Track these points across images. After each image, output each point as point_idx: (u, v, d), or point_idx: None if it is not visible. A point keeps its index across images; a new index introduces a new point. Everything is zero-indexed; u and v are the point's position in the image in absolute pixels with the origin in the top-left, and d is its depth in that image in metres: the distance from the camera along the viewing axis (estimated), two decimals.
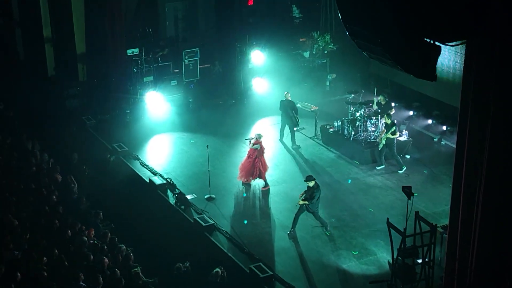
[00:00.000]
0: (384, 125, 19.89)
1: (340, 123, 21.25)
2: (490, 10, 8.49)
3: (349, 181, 18.99)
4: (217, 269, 14.81)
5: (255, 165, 18.81)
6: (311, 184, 16.68)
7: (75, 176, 19.20)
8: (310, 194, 16.60)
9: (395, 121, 20.08)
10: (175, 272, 15.03)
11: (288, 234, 16.87)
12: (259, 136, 18.96)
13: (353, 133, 20.77)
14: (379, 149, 19.88)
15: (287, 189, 19.08)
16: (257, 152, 18.83)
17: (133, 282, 14.44)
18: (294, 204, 18.11)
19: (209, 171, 18.70)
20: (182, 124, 23.17)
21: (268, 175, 19.41)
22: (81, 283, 13.93)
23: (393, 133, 19.53)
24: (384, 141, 19.62)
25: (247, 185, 19.11)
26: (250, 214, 17.98)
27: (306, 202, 16.63)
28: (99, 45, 24.12)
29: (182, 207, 18.00)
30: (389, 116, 19.69)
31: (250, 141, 19.09)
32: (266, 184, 19.08)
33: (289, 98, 21.61)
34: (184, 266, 14.98)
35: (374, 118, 20.60)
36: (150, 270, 15.72)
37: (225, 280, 14.79)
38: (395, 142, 19.72)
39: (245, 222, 17.50)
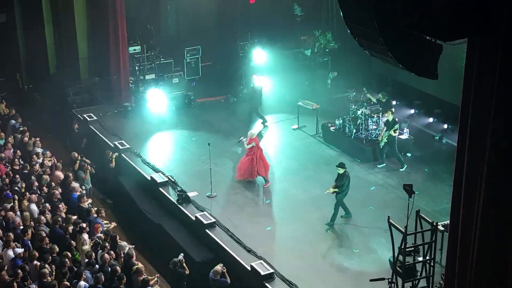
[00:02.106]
0: (385, 122, 19.88)
1: (341, 121, 21.27)
2: (492, 8, 8.50)
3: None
4: (218, 266, 14.85)
5: (253, 163, 18.85)
6: (341, 171, 16.90)
7: (77, 173, 19.28)
8: (339, 182, 16.82)
9: (397, 119, 20.11)
10: (170, 266, 15.06)
11: (341, 216, 17.19)
12: (251, 135, 19.00)
13: (354, 131, 20.78)
14: (381, 147, 19.89)
15: (288, 187, 19.10)
16: (254, 150, 18.87)
17: (135, 279, 14.48)
18: (295, 201, 18.19)
19: (210, 168, 18.72)
20: (184, 121, 23.20)
21: (269, 172, 19.45)
22: (82, 281, 13.97)
23: (394, 131, 19.56)
24: (385, 139, 19.64)
25: (249, 181, 19.14)
26: (251, 212, 18.00)
27: (337, 190, 16.81)
28: (100, 42, 24.16)
29: (184, 204, 18.03)
30: (391, 112, 19.74)
31: (244, 142, 19.13)
32: (267, 181, 19.10)
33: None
34: (179, 260, 15.02)
35: (375, 116, 20.61)
36: (152, 268, 15.77)
37: (226, 277, 14.82)
38: (397, 139, 19.75)
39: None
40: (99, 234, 15.89)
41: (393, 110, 20.52)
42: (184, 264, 15.11)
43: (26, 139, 20.41)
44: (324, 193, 17.11)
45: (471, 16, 8.50)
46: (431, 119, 22.29)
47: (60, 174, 18.54)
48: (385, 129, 19.75)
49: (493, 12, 8.52)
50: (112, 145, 21.15)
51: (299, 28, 27.26)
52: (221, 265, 14.93)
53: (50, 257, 14.61)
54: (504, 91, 8.68)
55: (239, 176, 19.18)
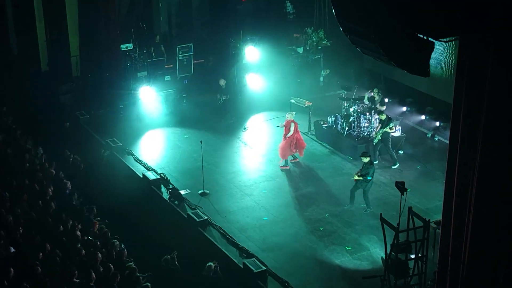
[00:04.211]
0: (378, 121, 19.92)
1: (333, 118, 21.28)
2: (484, 6, 8.52)
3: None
4: (210, 263, 14.82)
5: (291, 143, 19.50)
6: (366, 160, 17.21)
7: (68, 171, 19.21)
8: (364, 171, 17.13)
9: (390, 116, 20.14)
10: (163, 264, 15.04)
11: (344, 207, 17.53)
12: (290, 115, 19.68)
13: (346, 128, 20.79)
14: (374, 143, 19.92)
15: (280, 184, 19.09)
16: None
17: (127, 277, 14.44)
18: (287, 198, 18.22)
19: (202, 166, 18.70)
20: (176, 119, 23.16)
21: (262, 170, 19.53)
22: (75, 279, 13.93)
23: (390, 128, 19.61)
24: (379, 136, 19.66)
25: (243, 179, 19.15)
26: (244, 209, 17.97)
27: (361, 179, 17.10)
28: (92, 40, 24.07)
29: (176, 202, 18.00)
30: (381, 112, 19.80)
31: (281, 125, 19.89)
32: (295, 158, 19.93)
33: None
34: (171, 258, 14.99)
35: (367, 113, 20.63)
36: (144, 265, 15.72)
37: (219, 274, 14.80)
38: (391, 137, 19.78)
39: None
40: (91, 232, 15.85)
41: (382, 109, 20.59)
42: (177, 262, 15.09)
43: (17, 136, 20.32)
44: (351, 179, 17.61)
45: (463, 14, 8.52)
46: (423, 117, 22.32)
47: (52, 172, 18.47)
48: (380, 126, 19.76)
49: (484, 10, 8.54)
50: (104, 143, 21.10)
51: (291, 25, 27.24)
52: (214, 262, 14.92)
53: (41, 255, 14.55)
54: (496, 88, 8.71)
55: (281, 156, 19.75)
